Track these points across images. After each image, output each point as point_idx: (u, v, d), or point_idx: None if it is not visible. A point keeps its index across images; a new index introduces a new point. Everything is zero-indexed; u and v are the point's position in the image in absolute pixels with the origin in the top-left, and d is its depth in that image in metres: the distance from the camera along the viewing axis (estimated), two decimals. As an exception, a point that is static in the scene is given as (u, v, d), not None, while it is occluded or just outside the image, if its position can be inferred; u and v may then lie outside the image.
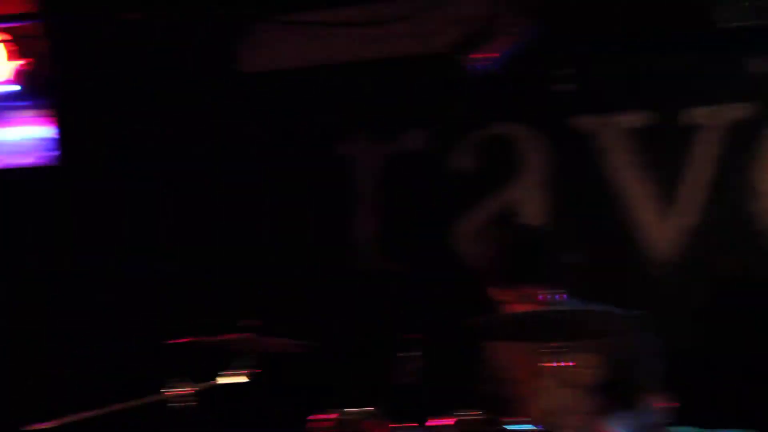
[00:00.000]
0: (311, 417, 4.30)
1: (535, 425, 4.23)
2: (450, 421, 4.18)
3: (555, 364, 4.15)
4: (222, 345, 4.62)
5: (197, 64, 6.38)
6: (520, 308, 4.44)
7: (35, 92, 6.63)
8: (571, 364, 4.17)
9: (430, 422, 4.22)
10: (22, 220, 6.68)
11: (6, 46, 6.59)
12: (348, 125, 6.37)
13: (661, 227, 5.93)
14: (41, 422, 4.34)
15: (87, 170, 6.57)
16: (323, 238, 6.37)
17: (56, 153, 6.57)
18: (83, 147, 6.58)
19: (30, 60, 6.61)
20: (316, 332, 5.15)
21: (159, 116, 6.48)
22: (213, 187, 6.46)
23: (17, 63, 6.61)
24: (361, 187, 6.36)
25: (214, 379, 4.61)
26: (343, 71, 6.30)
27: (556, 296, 4.44)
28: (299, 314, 6.12)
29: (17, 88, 6.63)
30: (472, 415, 4.19)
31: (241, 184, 6.43)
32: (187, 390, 4.45)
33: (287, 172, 6.40)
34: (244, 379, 4.65)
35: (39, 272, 6.57)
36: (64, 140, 6.57)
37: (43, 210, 6.62)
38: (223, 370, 4.63)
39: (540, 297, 4.45)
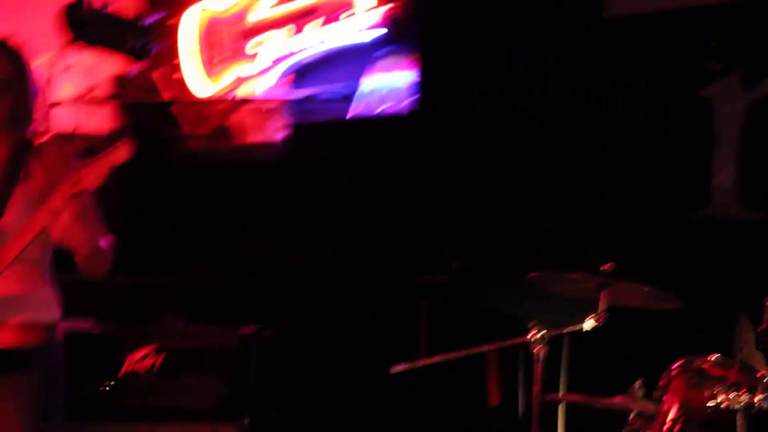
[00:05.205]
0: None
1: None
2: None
3: None
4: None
5: (559, 8, 6.29)
6: None
7: (402, 37, 6.77)
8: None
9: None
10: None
11: (378, -10, 6.81)
12: (710, 69, 6.03)
13: None
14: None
15: (445, 119, 6.57)
16: (679, 185, 6.06)
17: (417, 99, 6.61)
18: (444, 95, 6.61)
19: (399, 3, 6.76)
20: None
21: (520, 63, 6.41)
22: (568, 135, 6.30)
23: (386, 7, 6.79)
24: (721, 133, 6.01)
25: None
26: (708, 13, 6.00)
27: None
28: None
29: (384, 31, 6.80)
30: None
31: (599, 133, 6.24)
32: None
33: (647, 118, 6.15)
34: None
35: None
36: (425, 87, 6.62)
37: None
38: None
39: None
